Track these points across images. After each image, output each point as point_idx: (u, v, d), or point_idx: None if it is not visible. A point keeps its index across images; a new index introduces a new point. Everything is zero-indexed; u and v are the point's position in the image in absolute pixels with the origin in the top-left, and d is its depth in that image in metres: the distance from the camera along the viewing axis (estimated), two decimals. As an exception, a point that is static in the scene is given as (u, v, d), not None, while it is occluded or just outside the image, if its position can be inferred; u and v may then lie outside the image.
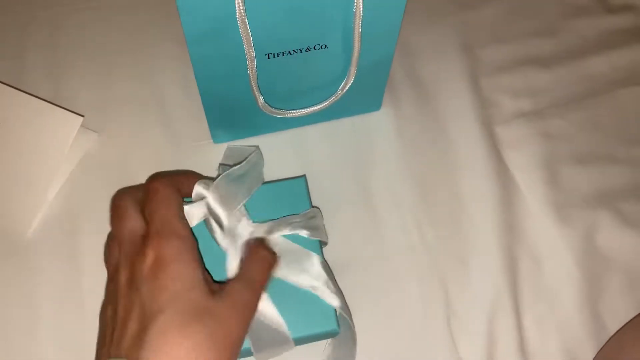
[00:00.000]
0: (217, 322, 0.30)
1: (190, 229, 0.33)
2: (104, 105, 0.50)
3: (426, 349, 0.42)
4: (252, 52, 0.38)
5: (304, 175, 0.44)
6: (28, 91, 0.48)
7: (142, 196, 0.34)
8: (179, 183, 0.36)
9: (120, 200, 0.34)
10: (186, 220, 0.33)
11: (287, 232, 0.38)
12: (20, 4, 0.55)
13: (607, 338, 0.42)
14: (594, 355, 0.42)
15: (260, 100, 0.42)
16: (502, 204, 0.47)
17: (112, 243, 0.34)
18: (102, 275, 0.42)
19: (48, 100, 0.48)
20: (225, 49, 0.37)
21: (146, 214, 0.33)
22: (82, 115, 0.46)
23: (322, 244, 0.40)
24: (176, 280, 0.30)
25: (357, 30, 0.38)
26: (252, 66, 0.39)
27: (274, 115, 0.45)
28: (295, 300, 0.36)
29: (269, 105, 0.44)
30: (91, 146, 0.48)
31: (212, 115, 0.45)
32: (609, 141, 0.50)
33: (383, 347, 0.41)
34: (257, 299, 0.34)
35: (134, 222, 0.33)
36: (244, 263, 0.35)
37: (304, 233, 0.38)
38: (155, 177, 0.35)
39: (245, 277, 0.34)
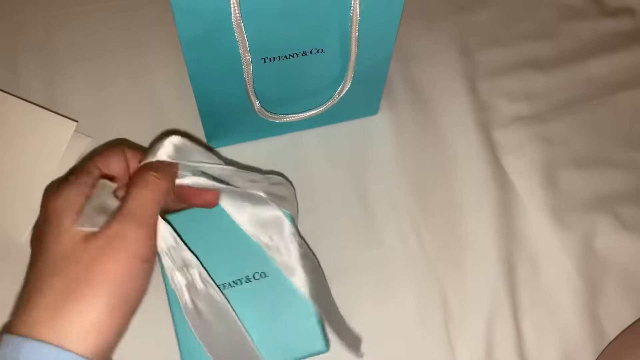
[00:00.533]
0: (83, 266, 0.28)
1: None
2: (98, 109, 0.50)
3: (424, 354, 0.41)
4: (248, 56, 0.37)
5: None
6: (21, 96, 0.48)
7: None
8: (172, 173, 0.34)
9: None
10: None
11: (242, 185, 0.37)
12: (14, 8, 0.55)
13: (605, 342, 0.42)
14: (591, 358, 0.41)
15: (257, 104, 0.42)
16: (500, 208, 0.47)
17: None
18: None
19: (41, 105, 0.47)
20: (221, 53, 0.37)
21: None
22: (76, 121, 0.46)
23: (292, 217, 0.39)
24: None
25: (354, 34, 0.38)
26: (248, 70, 0.38)
27: (271, 120, 0.44)
28: (275, 324, 0.36)
29: (265, 109, 0.43)
30: (85, 151, 0.48)
31: (208, 120, 0.45)
32: (607, 145, 0.50)
33: (381, 353, 0.41)
34: (143, 231, 0.31)
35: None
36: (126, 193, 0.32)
37: (261, 194, 0.37)
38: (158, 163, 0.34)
39: (122, 211, 0.31)
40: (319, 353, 0.36)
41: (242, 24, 0.35)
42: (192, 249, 0.34)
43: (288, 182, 0.41)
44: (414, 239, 0.45)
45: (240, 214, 0.38)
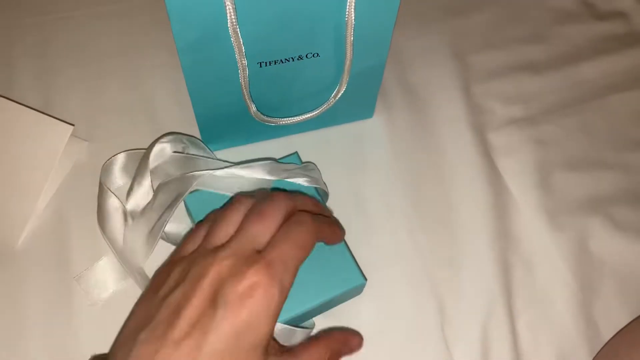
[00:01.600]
0: None
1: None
2: (94, 113, 0.50)
3: (420, 356, 0.41)
4: (244, 60, 0.38)
5: (296, 152, 0.45)
6: (17, 100, 0.48)
7: (289, 210, 0.32)
8: (321, 229, 0.34)
9: (277, 200, 0.32)
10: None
11: (284, 177, 0.41)
12: (8, 12, 0.55)
13: (601, 343, 0.42)
14: (587, 361, 0.42)
15: (253, 108, 0.42)
16: (495, 210, 0.47)
17: (233, 211, 0.32)
18: (93, 286, 0.42)
19: (37, 109, 0.48)
20: (217, 57, 0.37)
21: (280, 233, 0.31)
22: (72, 125, 0.46)
23: (323, 194, 0.44)
24: (250, 329, 0.28)
25: (349, 38, 0.38)
26: (244, 75, 0.39)
27: (266, 123, 0.45)
28: (310, 265, 0.34)
29: (261, 113, 0.43)
30: (82, 155, 0.48)
31: (204, 123, 0.45)
32: (601, 147, 0.50)
33: (377, 355, 0.41)
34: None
35: (267, 228, 0.31)
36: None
37: (301, 181, 0.41)
38: (311, 215, 0.33)
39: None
40: (358, 286, 0.38)
41: (238, 30, 0.35)
42: None
43: (314, 164, 0.44)
44: (409, 241, 0.45)
45: None
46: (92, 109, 0.50)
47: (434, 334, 0.42)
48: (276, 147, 0.48)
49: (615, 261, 0.45)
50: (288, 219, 0.32)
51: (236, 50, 0.36)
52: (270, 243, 0.30)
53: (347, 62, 0.40)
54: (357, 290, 0.40)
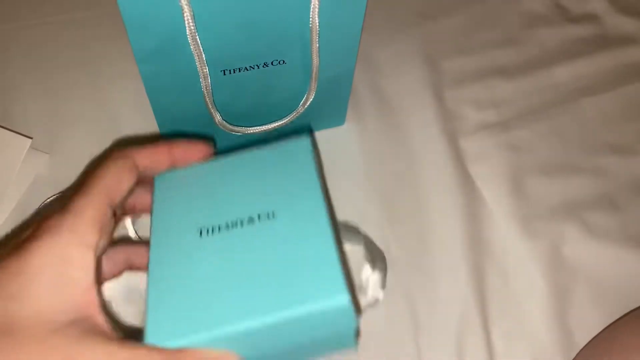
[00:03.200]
0: None
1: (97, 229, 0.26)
2: (55, 125, 0.49)
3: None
4: (206, 69, 0.36)
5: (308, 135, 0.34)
6: (-27, 112, 0.46)
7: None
8: (141, 154, 0.30)
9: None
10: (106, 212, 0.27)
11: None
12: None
13: (575, 350, 0.42)
14: (563, 369, 0.41)
15: (217, 117, 0.41)
16: (468, 218, 0.46)
17: None
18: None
19: (-5, 121, 0.46)
20: (177, 66, 0.36)
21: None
22: (31, 137, 0.44)
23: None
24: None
25: (315, 45, 0.37)
26: (206, 83, 0.38)
27: (233, 133, 0.43)
28: (286, 271, 0.26)
29: (227, 122, 0.42)
30: (42, 168, 0.46)
31: (167, 134, 0.44)
32: (573, 151, 0.50)
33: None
34: None
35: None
36: None
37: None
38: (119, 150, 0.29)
39: None
40: (339, 306, 0.25)
41: (197, 37, 0.34)
42: (179, 198, 0.30)
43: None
44: (382, 250, 0.44)
45: None
46: (53, 120, 0.49)
47: (407, 344, 0.41)
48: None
49: (589, 267, 0.45)
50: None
51: (196, 58, 0.35)
52: None
53: (314, 69, 0.39)
54: (343, 319, 0.26)
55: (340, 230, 0.35)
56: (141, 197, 0.31)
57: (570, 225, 0.46)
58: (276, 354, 0.27)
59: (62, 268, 0.24)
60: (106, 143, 0.48)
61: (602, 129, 0.51)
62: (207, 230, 0.28)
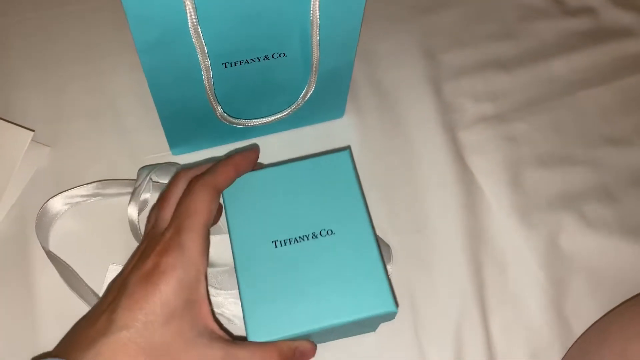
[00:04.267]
0: None
1: (205, 246, 0.32)
2: (57, 118, 0.49)
3: (393, 358, 0.41)
4: (207, 61, 0.37)
5: (349, 148, 0.41)
6: (-26, 105, 0.46)
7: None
8: (218, 180, 0.35)
9: (178, 176, 0.36)
10: (206, 231, 0.33)
11: None
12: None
13: (571, 339, 0.42)
14: (559, 357, 0.42)
15: (219, 110, 0.41)
16: (467, 210, 0.47)
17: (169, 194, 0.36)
18: (55, 295, 0.41)
19: (-5, 114, 0.46)
20: (179, 58, 0.36)
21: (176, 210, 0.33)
22: (33, 130, 0.44)
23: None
24: (151, 303, 0.30)
25: (315, 38, 0.37)
26: (207, 76, 0.38)
27: (234, 125, 0.44)
28: (341, 282, 0.34)
29: (228, 115, 0.42)
30: (44, 161, 0.46)
31: (169, 126, 0.44)
32: (570, 143, 0.50)
33: (349, 358, 0.41)
34: None
35: (166, 212, 0.34)
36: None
37: None
38: (198, 176, 0.35)
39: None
40: (388, 313, 0.33)
41: (199, 29, 0.34)
42: (249, 210, 0.36)
43: None
44: (387, 243, 0.45)
45: None
46: (54, 113, 0.49)
47: (407, 335, 0.42)
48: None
49: (586, 258, 0.45)
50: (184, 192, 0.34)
51: (198, 50, 0.35)
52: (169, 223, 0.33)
53: (315, 62, 0.40)
54: (384, 318, 0.36)
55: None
56: None
57: (568, 217, 0.47)
58: (332, 334, 0.37)
59: (187, 294, 0.30)
60: (108, 135, 0.48)
61: (599, 122, 0.52)
62: (280, 243, 0.35)
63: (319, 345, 0.39)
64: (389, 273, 0.43)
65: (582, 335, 0.42)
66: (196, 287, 0.31)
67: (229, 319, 0.41)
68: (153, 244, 0.32)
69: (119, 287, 0.31)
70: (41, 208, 0.43)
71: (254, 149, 0.38)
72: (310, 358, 0.34)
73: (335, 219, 0.36)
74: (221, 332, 0.32)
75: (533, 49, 0.55)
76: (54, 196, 0.44)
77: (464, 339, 0.42)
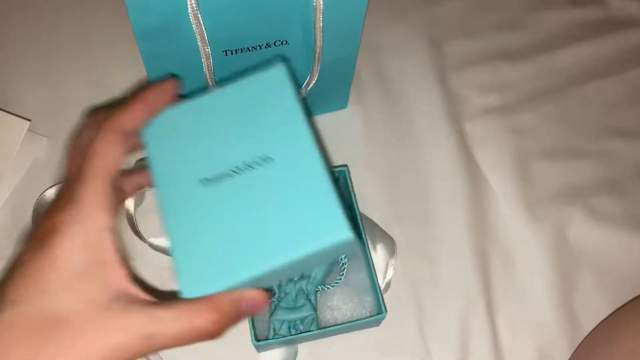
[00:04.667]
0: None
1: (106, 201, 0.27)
2: (54, 107, 0.48)
3: (398, 352, 0.40)
4: (208, 49, 0.36)
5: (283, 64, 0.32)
6: (-30, 95, 0.45)
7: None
8: (123, 120, 0.29)
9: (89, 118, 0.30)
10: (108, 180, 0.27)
11: None
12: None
13: (581, 336, 0.41)
14: (567, 352, 0.41)
15: (219, 99, 0.40)
16: (472, 202, 0.46)
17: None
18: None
19: (-8, 104, 0.45)
20: (178, 46, 0.35)
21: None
22: (29, 120, 0.43)
23: None
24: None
25: (319, 24, 0.37)
26: (208, 64, 0.37)
27: (235, 116, 0.43)
28: (287, 212, 0.28)
29: (229, 105, 0.42)
30: (41, 152, 0.46)
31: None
32: (577, 135, 0.50)
33: (354, 351, 0.40)
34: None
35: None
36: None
37: None
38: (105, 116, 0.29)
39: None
40: (343, 241, 0.27)
41: (199, 15, 0.33)
42: (174, 148, 0.30)
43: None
44: (391, 237, 0.44)
45: None
46: (51, 103, 0.48)
47: (411, 329, 0.41)
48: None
49: (594, 252, 0.45)
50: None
51: (198, 37, 0.34)
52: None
53: (318, 50, 0.39)
54: (342, 249, 0.29)
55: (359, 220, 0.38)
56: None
57: (575, 210, 0.46)
58: (284, 277, 0.33)
59: (88, 255, 0.26)
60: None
61: (606, 113, 0.51)
62: (209, 180, 0.29)
63: (324, 340, 0.39)
64: (392, 267, 0.42)
65: (591, 331, 0.41)
66: (100, 245, 0.26)
67: None
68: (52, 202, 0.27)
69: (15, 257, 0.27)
70: (38, 199, 0.42)
71: (170, 80, 0.31)
72: (261, 308, 0.29)
73: (273, 146, 0.30)
74: (145, 296, 0.27)
75: (540, 39, 0.54)
76: (51, 187, 0.43)
77: (470, 334, 0.41)
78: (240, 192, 0.29)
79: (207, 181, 0.29)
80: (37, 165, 0.45)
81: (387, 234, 0.43)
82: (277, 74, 0.31)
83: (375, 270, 0.39)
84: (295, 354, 0.39)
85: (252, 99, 0.31)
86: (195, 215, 0.29)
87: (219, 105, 0.31)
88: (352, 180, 0.45)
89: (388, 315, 0.41)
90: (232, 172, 0.29)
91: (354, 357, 0.40)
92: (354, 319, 0.38)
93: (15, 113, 0.45)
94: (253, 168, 0.29)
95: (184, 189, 0.29)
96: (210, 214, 0.29)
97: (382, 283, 0.41)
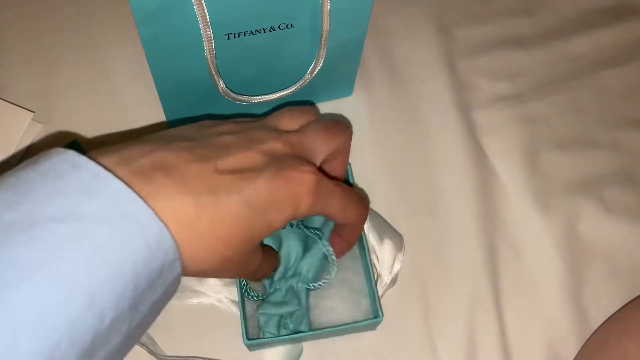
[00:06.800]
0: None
1: None
2: (50, 93, 0.47)
3: (403, 348, 0.40)
4: (210, 31, 0.34)
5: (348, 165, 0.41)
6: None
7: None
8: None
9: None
10: None
11: None
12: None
13: (590, 330, 0.41)
14: (576, 348, 0.40)
15: (221, 85, 0.39)
16: (481, 193, 0.45)
17: (301, 111, 0.33)
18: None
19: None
20: (179, 28, 0.34)
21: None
22: (33, 111, 0.43)
23: None
24: (276, 209, 0.27)
25: (326, 6, 0.35)
26: (209, 47, 0.35)
27: (236, 102, 0.42)
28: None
29: (231, 90, 0.40)
30: (36, 139, 0.45)
31: (168, 102, 0.42)
32: (590, 125, 0.48)
33: (358, 347, 0.39)
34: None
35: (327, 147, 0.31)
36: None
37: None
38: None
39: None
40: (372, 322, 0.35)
41: (201, -5, 0.32)
42: None
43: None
44: (399, 232, 0.43)
45: None
46: (47, 88, 0.47)
47: (417, 324, 0.40)
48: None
49: (605, 245, 0.44)
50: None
51: (200, 19, 0.33)
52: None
53: (324, 34, 0.37)
54: (370, 326, 0.38)
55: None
56: None
57: (587, 202, 0.45)
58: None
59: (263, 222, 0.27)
60: (104, 111, 0.46)
61: (621, 103, 0.49)
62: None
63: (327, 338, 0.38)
64: (400, 262, 0.41)
65: (600, 326, 0.40)
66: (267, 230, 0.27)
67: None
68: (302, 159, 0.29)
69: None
70: None
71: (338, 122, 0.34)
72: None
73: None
74: None
75: (553, 25, 0.53)
76: None
77: (477, 328, 0.40)
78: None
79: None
80: (31, 153, 0.44)
81: (394, 229, 0.42)
82: None
83: (373, 274, 0.39)
84: (301, 351, 0.38)
85: None
86: None
87: None
88: (357, 169, 0.44)
89: (394, 309, 0.41)
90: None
91: (361, 351, 0.39)
92: (350, 321, 0.38)
93: (10, 99, 0.44)
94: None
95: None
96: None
97: (388, 277, 0.40)
